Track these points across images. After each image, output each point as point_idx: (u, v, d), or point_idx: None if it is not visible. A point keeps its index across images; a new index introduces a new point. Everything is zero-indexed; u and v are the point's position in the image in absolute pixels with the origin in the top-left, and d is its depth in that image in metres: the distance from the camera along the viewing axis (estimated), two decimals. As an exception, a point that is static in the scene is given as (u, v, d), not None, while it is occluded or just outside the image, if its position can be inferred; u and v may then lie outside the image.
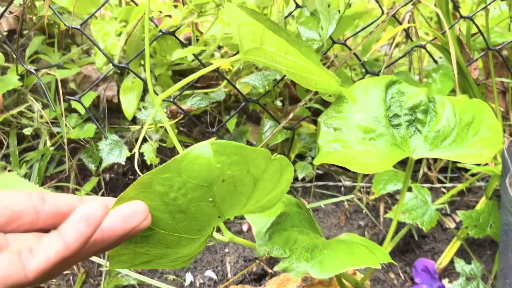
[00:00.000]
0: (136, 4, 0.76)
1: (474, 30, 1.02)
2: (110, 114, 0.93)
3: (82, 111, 0.86)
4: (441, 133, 0.55)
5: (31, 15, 0.94)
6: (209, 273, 0.79)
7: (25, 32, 0.96)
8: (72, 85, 0.89)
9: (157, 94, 0.80)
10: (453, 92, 0.87)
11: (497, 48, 0.87)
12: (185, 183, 0.40)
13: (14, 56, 0.85)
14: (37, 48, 0.90)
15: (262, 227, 0.57)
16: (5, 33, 0.87)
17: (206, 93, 0.87)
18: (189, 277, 0.79)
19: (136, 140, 0.86)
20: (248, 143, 0.96)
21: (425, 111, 0.57)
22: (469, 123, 0.56)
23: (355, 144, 0.54)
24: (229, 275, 0.79)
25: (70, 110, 0.88)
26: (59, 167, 0.89)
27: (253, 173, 0.43)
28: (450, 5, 0.83)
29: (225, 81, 0.85)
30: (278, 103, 0.90)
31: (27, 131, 0.77)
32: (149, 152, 0.73)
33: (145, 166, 0.94)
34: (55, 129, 0.87)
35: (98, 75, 0.92)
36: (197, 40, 0.93)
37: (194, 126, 0.97)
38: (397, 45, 0.95)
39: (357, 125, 0.55)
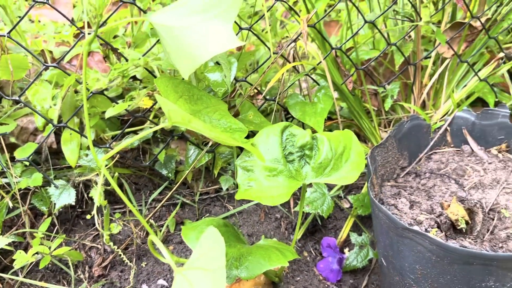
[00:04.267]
0: (62, 70, 0.88)
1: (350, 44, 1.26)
2: (50, 156, 1.04)
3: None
4: (323, 164, 0.77)
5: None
6: (161, 281, 0.97)
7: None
8: (12, 139, 0.99)
9: (96, 145, 0.93)
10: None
11: (363, 67, 1.10)
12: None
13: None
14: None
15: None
16: None
17: (135, 132, 1.02)
18: (144, 287, 0.97)
19: (80, 181, 0.99)
20: (177, 162, 1.13)
21: (311, 148, 0.78)
22: (342, 152, 0.78)
23: (264, 181, 0.74)
24: (178, 280, 0.97)
25: (13, 159, 0.98)
26: (11, 213, 1.00)
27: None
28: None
29: (151, 120, 1.00)
30: (199, 130, 1.07)
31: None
32: (97, 197, 0.87)
33: (90, 199, 1.07)
34: (3, 180, 0.97)
35: (35, 126, 1.02)
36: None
37: (127, 155, 1.11)
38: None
39: (263, 166, 0.75)
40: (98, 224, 0.85)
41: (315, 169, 0.77)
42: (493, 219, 0.88)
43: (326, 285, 1.04)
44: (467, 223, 0.84)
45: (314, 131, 0.88)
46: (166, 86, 0.78)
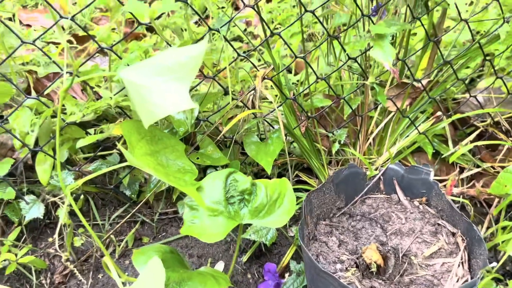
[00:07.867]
0: (42, 102, 0.99)
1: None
2: (26, 170, 1.16)
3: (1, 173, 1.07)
4: (258, 208, 0.90)
5: None
6: (115, 294, 1.09)
7: None
8: (-9, 154, 1.10)
9: (66, 167, 1.05)
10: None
11: (315, 115, 1.24)
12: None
13: None
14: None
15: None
16: None
17: (103, 157, 1.14)
18: (100, 298, 1.08)
19: (52, 195, 1.10)
20: (141, 182, 1.25)
21: (250, 193, 0.91)
22: (276, 199, 0.92)
23: (206, 219, 0.87)
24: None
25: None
26: (-15, 220, 1.10)
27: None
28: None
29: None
30: (162, 158, 1.19)
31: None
32: (63, 216, 0.99)
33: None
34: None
35: (12, 142, 1.13)
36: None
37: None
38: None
39: (207, 207, 0.88)
40: (64, 237, 0.96)
41: (251, 211, 0.90)
42: (405, 263, 1.02)
43: (263, 306, 1.17)
44: (380, 266, 0.98)
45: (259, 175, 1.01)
46: (130, 130, 0.90)
